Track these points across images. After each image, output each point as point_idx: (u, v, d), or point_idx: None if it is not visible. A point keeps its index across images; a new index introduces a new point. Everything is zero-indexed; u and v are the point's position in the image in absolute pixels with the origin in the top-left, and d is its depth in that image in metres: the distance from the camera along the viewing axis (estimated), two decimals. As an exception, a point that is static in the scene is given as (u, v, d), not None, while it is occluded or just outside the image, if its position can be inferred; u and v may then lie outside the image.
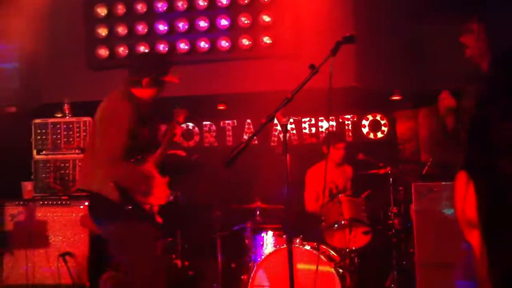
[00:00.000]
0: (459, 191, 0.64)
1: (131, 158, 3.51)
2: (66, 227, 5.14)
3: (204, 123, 7.05)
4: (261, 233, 5.03)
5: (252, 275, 4.61)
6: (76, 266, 5.02)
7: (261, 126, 3.48)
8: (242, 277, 5.01)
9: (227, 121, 7.03)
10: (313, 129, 6.88)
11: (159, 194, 3.65)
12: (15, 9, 6.15)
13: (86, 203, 5.21)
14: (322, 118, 6.87)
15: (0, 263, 5.34)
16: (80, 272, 5.01)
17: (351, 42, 3.35)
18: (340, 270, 4.60)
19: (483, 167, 0.60)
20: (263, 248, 4.94)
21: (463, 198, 0.63)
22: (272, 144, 6.91)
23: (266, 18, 6.00)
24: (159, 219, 3.61)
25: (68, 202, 5.24)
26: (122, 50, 6.09)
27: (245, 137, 6.83)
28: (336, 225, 4.98)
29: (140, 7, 6.08)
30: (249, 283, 4.60)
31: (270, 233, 5.01)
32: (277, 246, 4.79)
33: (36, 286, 5.32)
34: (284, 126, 3.30)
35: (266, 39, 6.01)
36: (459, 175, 0.62)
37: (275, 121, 3.34)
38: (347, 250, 4.90)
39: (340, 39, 3.34)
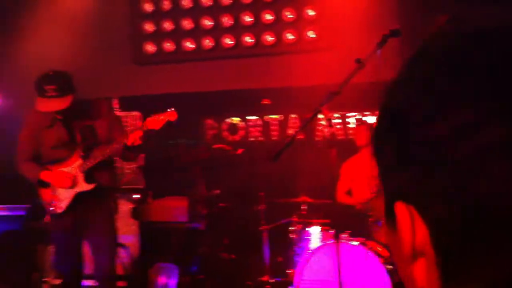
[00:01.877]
0: (404, 225, 0.54)
1: (48, 159, 3.91)
2: (117, 218, 5.23)
3: (249, 117, 7.05)
4: (308, 227, 5.01)
5: (299, 269, 4.61)
6: (128, 257, 5.13)
7: (307, 121, 3.48)
8: (288, 271, 5.02)
9: (272, 116, 7.02)
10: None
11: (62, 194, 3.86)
12: (65, 6, 6.33)
13: (137, 196, 5.35)
14: (368, 112, 6.78)
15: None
16: (131, 263, 5.12)
17: (398, 35, 3.31)
18: (389, 267, 4.54)
19: (443, 192, 0.50)
20: (310, 243, 4.93)
21: (411, 231, 0.55)
22: (316, 138, 6.87)
23: (311, 12, 5.99)
24: (46, 219, 3.92)
25: (119, 194, 5.35)
26: (168, 45, 6.19)
27: (290, 131, 6.82)
28: (383, 221, 4.92)
29: (186, 3, 6.16)
30: (296, 277, 4.60)
31: (317, 227, 4.99)
32: (324, 241, 4.77)
33: (87, 276, 5.47)
34: (329, 121, 3.28)
35: (311, 33, 5.99)
36: (399, 208, 0.53)
37: (320, 115, 3.34)
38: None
39: (386, 32, 3.30)
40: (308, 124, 3.62)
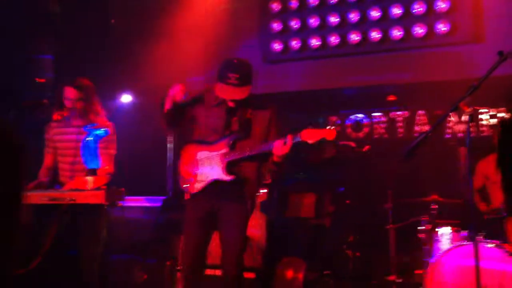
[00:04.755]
0: None
1: (197, 137, 3.95)
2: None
3: (374, 114, 6.93)
4: (437, 228, 4.84)
5: (428, 270, 4.46)
6: (254, 249, 5.25)
7: (443, 116, 3.37)
8: (416, 272, 4.88)
9: (397, 112, 6.85)
10: (493, 120, 6.43)
11: (200, 175, 3.85)
12: (198, 9, 6.62)
13: (264, 191, 5.46)
14: (503, 108, 6.39)
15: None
16: (257, 255, 5.24)
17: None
18: (528, 271, 4.26)
19: None
20: (440, 244, 4.75)
21: None
22: (446, 136, 6.60)
23: (442, 5, 5.77)
24: (186, 196, 3.88)
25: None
26: (295, 43, 6.26)
27: (417, 128, 6.61)
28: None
29: (313, 1, 6.19)
30: (426, 279, 4.46)
31: (447, 228, 4.80)
32: (456, 243, 4.58)
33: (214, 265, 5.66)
34: (469, 117, 3.13)
35: (441, 27, 5.77)
36: None
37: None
38: (535, 250, 4.52)
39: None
40: (443, 120, 3.47)
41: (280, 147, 3.57)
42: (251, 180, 3.82)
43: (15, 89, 5.75)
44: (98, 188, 4.00)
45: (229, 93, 3.69)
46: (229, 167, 3.75)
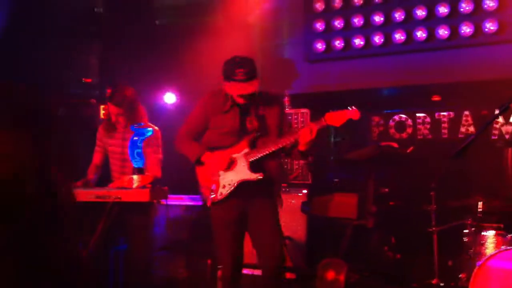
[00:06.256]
0: None
1: (214, 144, 3.86)
2: (286, 213, 5.36)
3: (418, 114, 6.82)
4: (482, 231, 4.74)
5: (472, 274, 4.38)
6: (295, 250, 5.27)
7: (494, 117, 3.31)
8: (460, 275, 4.79)
9: (442, 113, 6.72)
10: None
11: (224, 180, 3.77)
12: (241, 7, 6.66)
13: (305, 191, 5.45)
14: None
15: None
16: (298, 256, 5.25)
17: None
18: None
19: None
20: (484, 248, 4.66)
21: None
22: (492, 137, 6.45)
23: (490, 3, 5.63)
24: (208, 203, 3.81)
25: (287, 189, 5.51)
26: (338, 43, 6.23)
27: (462, 129, 6.47)
28: None
29: (357, 0, 6.15)
30: (469, 283, 4.38)
31: (492, 232, 4.70)
32: (502, 247, 4.47)
33: (250, 265, 5.68)
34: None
35: (489, 25, 5.64)
36: None
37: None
38: None
39: None
40: (493, 121, 3.40)
41: (307, 134, 3.58)
42: (275, 178, 3.86)
43: (62, 88, 5.90)
44: (143, 187, 4.09)
45: (239, 88, 3.70)
46: (253, 166, 3.76)
